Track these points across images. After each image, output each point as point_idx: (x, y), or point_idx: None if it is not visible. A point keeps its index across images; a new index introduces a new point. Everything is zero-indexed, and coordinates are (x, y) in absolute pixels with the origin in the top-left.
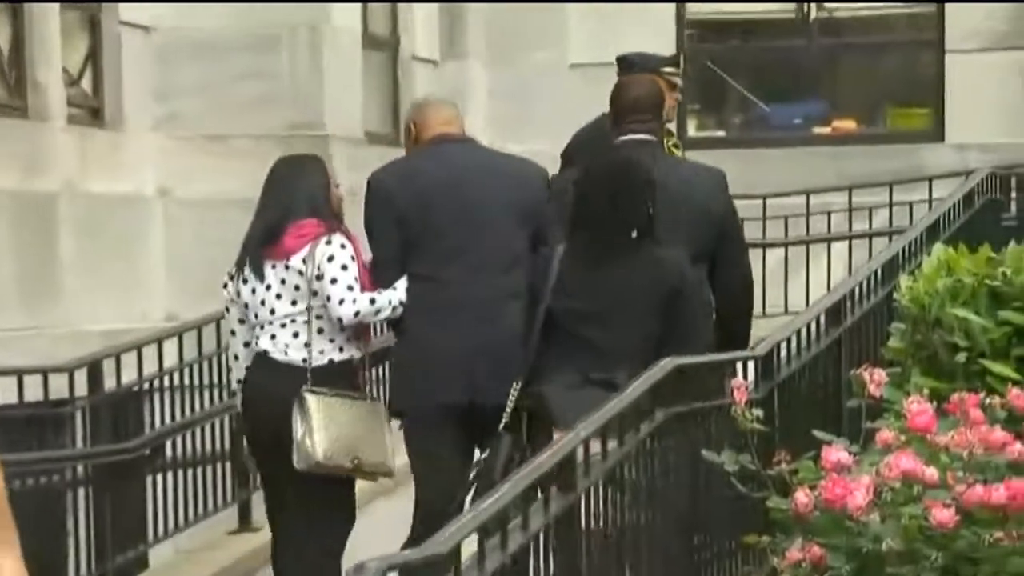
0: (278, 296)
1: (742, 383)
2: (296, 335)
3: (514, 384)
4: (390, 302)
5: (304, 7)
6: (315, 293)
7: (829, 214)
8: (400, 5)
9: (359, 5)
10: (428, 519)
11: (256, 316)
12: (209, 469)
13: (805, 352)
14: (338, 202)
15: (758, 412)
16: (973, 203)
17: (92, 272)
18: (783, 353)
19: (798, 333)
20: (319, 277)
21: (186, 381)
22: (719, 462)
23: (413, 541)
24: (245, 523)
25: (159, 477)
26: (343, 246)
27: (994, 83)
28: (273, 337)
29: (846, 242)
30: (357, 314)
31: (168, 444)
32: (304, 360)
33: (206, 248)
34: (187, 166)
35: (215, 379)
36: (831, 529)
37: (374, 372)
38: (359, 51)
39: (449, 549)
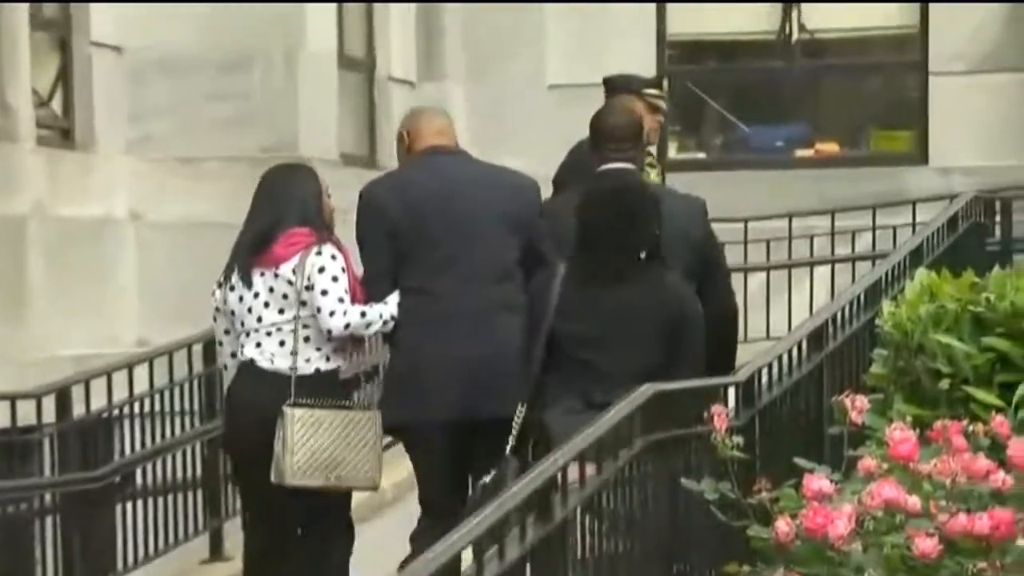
0: (266, 304)
1: (722, 410)
2: (282, 344)
3: (519, 407)
4: (381, 316)
5: (279, 28)
6: (304, 303)
7: (812, 238)
8: (376, 25)
9: (334, 25)
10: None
11: (242, 324)
12: (180, 497)
13: (787, 378)
14: (329, 213)
15: (738, 439)
16: (957, 227)
17: (62, 296)
18: (764, 379)
19: (779, 359)
20: (309, 287)
21: (157, 408)
22: (699, 490)
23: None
24: (216, 552)
25: (129, 505)
26: (334, 257)
27: (978, 105)
28: (259, 345)
29: (829, 266)
30: (347, 326)
31: (138, 472)
32: (291, 369)
33: (178, 272)
34: (159, 188)
35: (186, 406)
36: (812, 558)
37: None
38: (334, 71)
39: None
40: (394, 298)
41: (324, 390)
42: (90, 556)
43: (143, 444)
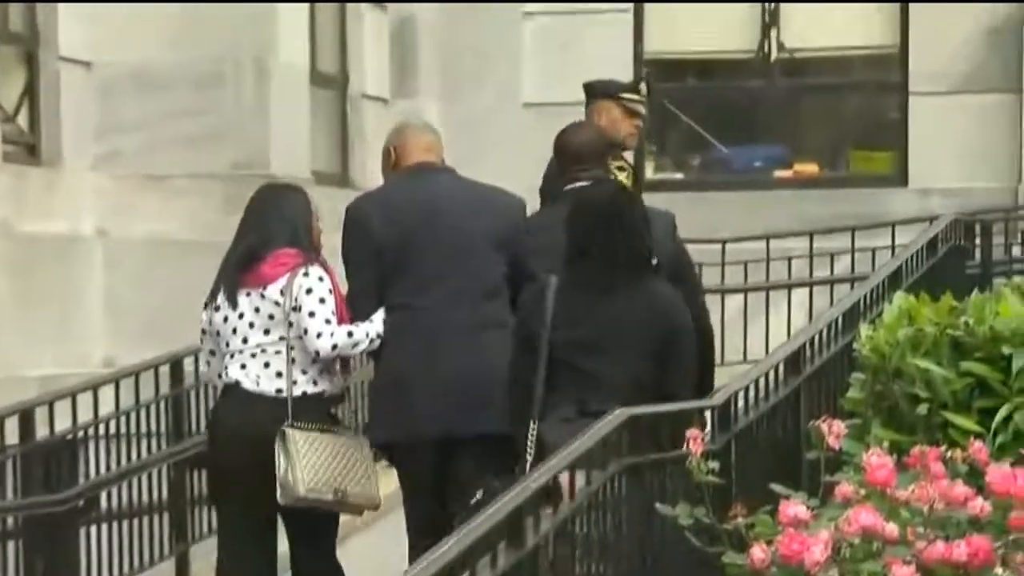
0: (251, 325)
1: (698, 434)
2: (267, 365)
3: (531, 424)
4: (367, 334)
5: (250, 44)
6: (291, 324)
7: (790, 260)
8: (350, 42)
9: (306, 41)
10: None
11: (227, 345)
12: (146, 521)
13: (763, 402)
14: (317, 235)
15: (714, 464)
16: (937, 250)
17: (27, 315)
18: (741, 403)
19: (756, 382)
20: (296, 309)
21: (123, 429)
22: (673, 515)
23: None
24: None
25: (94, 529)
26: (321, 279)
27: (959, 126)
28: (243, 367)
29: (807, 289)
30: (335, 347)
31: (104, 495)
32: (278, 391)
33: (146, 291)
34: (126, 205)
35: (153, 427)
36: None
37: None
38: (306, 87)
39: None
40: (379, 315)
41: (311, 414)
42: None
43: (108, 467)
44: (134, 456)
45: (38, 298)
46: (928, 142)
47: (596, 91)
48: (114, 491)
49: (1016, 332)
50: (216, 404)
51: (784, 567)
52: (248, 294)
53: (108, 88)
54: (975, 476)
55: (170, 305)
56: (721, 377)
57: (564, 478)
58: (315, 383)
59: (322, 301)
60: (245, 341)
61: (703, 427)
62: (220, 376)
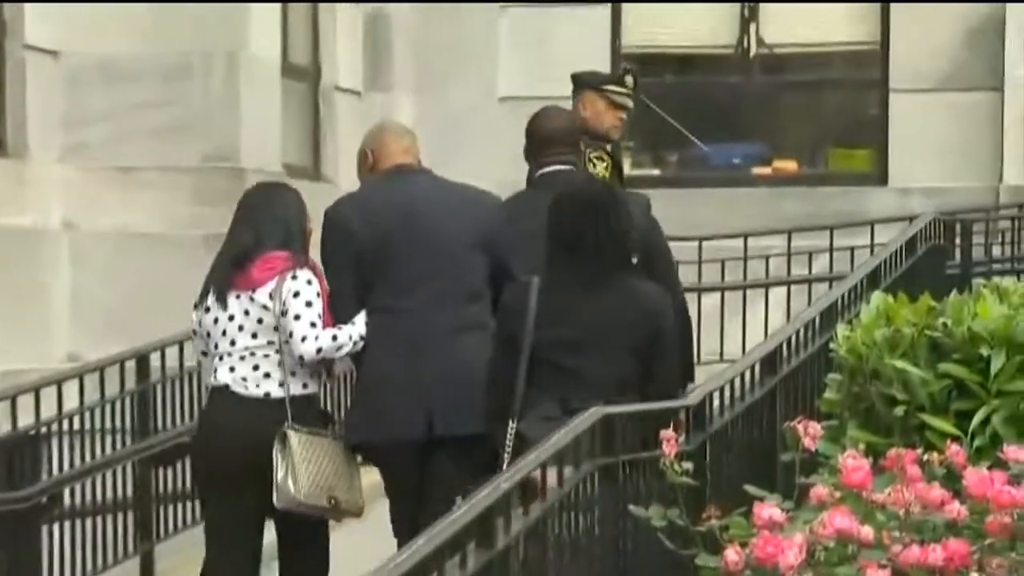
0: (240, 327)
1: (672, 434)
2: (256, 368)
3: (510, 423)
4: (351, 337)
5: (220, 34)
6: (276, 328)
7: (767, 258)
8: (322, 34)
9: (278, 32)
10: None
11: (216, 347)
12: (110, 519)
13: (739, 402)
14: (309, 235)
15: (688, 465)
16: (916, 249)
17: None
18: (716, 403)
19: (732, 382)
20: (283, 312)
21: (87, 425)
22: (646, 517)
23: None
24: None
25: (56, 527)
26: (309, 282)
27: (939, 124)
28: (232, 369)
29: (785, 288)
30: (319, 351)
31: (67, 492)
32: (267, 394)
33: (113, 284)
34: (94, 198)
35: (118, 423)
36: None
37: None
38: (277, 79)
39: None
40: (361, 318)
41: (302, 416)
42: None
43: (72, 463)
44: (98, 453)
45: (2, 291)
46: (908, 140)
47: (582, 82)
48: (78, 488)
49: (995, 333)
50: (206, 406)
51: (758, 570)
52: (238, 296)
53: (75, 78)
54: (952, 479)
55: (137, 299)
56: (698, 376)
57: (539, 476)
58: (305, 385)
59: (309, 304)
60: (233, 344)
61: (681, 426)
62: (210, 377)
